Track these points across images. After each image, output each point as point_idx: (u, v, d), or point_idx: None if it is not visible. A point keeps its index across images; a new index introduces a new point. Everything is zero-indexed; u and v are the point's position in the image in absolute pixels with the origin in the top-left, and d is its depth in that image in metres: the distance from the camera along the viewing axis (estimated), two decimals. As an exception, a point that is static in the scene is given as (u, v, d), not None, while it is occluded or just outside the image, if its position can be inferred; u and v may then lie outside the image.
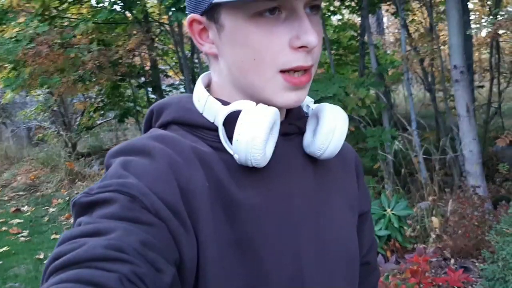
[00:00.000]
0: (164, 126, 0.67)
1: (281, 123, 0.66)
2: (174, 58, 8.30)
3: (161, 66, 8.45)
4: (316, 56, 0.63)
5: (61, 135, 8.54)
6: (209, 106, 0.64)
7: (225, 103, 0.64)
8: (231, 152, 0.62)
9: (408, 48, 4.87)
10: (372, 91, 4.49)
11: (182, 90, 8.62)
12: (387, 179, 4.38)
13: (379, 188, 4.47)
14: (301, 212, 0.66)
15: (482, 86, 6.13)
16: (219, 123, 0.63)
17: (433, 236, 3.44)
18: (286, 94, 0.62)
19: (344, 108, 4.52)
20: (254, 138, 0.58)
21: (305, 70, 0.62)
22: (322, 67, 5.64)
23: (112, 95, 8.22)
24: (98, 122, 9.98)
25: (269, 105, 0.62)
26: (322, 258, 0.67)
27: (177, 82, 8.58)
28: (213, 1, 0.59)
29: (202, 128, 0.65)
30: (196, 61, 7.37)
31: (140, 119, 8.52)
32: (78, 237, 0.49)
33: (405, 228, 3.39)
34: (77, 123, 9.05)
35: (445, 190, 3.92)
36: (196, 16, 0.64)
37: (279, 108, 0.63)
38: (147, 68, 7.91)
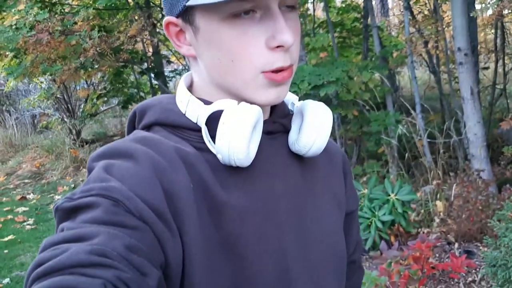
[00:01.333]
0: (147, 127, 0.67)
1: (265, 121, 0.66)
2: (176, 43, 8.23)
3: (163, 52, 8.41)
4: (295, 55, 0.62)
5: (65, 122, 8.55)
6: (191, 106, 0.64)
7: (207, 102, 0.64)
8: (214, 152, 0.61)
9: (412, 30, 4.81)
10: (376, 74, 4.45)
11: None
12: (391, 163, 4.36)
13: (383, 172, 4.45)
14: (287, 211, 0.66)
15: (487, 68, 6.06)
16: (202, 123, 0.62)
17: (437, 220, 3.44)
18: (267, 92, 0.62)
19: (348, 92, 4.49)
20: (237, 138, 0.58)
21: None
22: (326, 50, 5.57)
23: (115, 82, 8.20)
24: (102, 108, 9.98)
25: (250, 103, 0.61)
26: (309, 257, 0.67)
27: (180, 68, 8.54)
28: (187, 4, 0.58)
29: (185, 129, 0.64)
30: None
31: (144, 105, 8.50)
32: (60, 243, 0.48)
33: (409, 212, 3.38)
34: (81, 110, 9.05)
35: (449, 173, 3.89)
36: (172, 18, 0.63)
37: (262, 107, 0.63)
38: (149, 54, 7.87)
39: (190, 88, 0.68)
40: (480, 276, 2.80)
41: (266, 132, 0.65)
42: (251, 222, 0.61)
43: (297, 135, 0.67)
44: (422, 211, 3.62)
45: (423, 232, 3.33)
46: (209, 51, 0.61)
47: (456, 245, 3.19)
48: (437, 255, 3.08)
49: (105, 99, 8.86)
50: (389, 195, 3.27)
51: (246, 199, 0.62)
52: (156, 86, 8.14)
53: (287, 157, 0.69)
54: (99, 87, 8.82)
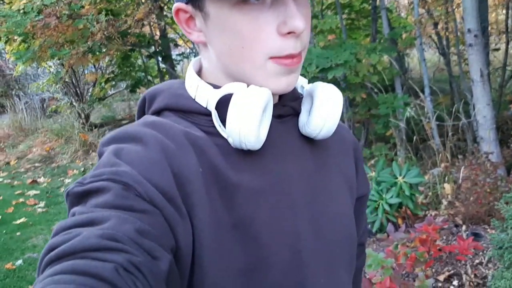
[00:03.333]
0: (157, 113, 0.67)
1: (275, 105, 0.66)
2: (183, 26, 8.18)
3: (170, 35, 8.37)
4: (305, 41, 0.62)
5: (74, 106, 8.59)
6: (201, 91, 0.64)
7: (216, 87, 0.64)
8: (225, 135, 0.61)
9: (422, 11, 4.74)
10: (385, 57, 4.41)
11: (193, 58, 8.56)
12: (399, 146, 4.35)
13: (391, 155, 4.44)
14: (299, 193, 0.66)
15: (497, 49, 5.97)
16: (212, 107, 0.62)
17: (445, 202, 3.44)
18: (277, 80, 0.61)
19: (356, 74, 4.46)
20: (247, 120, 0.58)
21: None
22: (334, 32, 5.51)
23: (123, 66, 8.19)
24: (110, 92, 10.00)
25: None
26: (321, 238, 0.67)
27: (187, 51, 8.51)
28: None
29: (195, 113, 0.64)
30: (206, 28, 7.26)
31: (152, 88, 8.50)
32: (72, 228, 0.48)
33: (417, 195, 3.38)
34: (89, 94, 9.08)
35: (457, 156, 3.88)
36: (181, 5, 0.63)
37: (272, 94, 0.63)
38: (157, 37, 7.85)
39: (199, 73, 0.68)
40: (487, 259, 2.80)
41: (276, 116, 0.66)
42: (264, 204, 0.62)
43: (307, 118, 0.67)
44: (430, 193, 3.62)
45: (431, 215, 3.34)
46: (219, 38, 0.61)
47: (464, 227, 3.20)
48: (444, 237, 3.09)
49: (113, 83, 8.88)
50: (397, 178, 3.27)
51: (258, 181, 0.62)
52: (164, 70, 8.14)
53: (298, 140, 0.69)
54: (107, 71, 8.82)
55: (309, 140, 0.69)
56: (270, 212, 0.62)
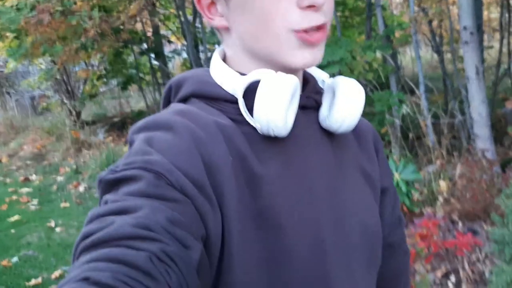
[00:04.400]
0: (184, 100, 0.67)
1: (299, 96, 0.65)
2: (176, 23, 8.17)
3: (163, 32, 8.34)
4: (329, 12, 0.61)
5: (65, 104, 8.53)
6: (227, 78, 0.64)
7: (243, 75, 0.64)
8: (251, 123, 0.61)
9: (416, 9, 4.76)
10: (379, 54, 4.42)
11: (185, 55, 8.54)
12: (394, 143, 4.37)
13: (386, 152, 4.46)
14: (321, 185, 0.66)
15: (491, 47, 6.03)
16: (239, 94, 0.62)
17: (441, 199, 3.46)
18: (301, 54, 0.61)
19: (351, 72, 4.46)
20: (275, 105, 0.58)
21: (319, 28, 0.60)
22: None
23: (115, 62, 8.15)
24: (101, 90, 9.94)
25: (286, 67, 0.61)
26: (341, 230, 0.66)
27: (179, 48, 8.48)
28: None
29: (222, 101, 0.64)
30: (199, 25, 7.25)
31: (143, 85, 8.47)
32: (106, 215, 0.49)
33: (413, 192, 3.40)
34: (80, 91, 9.01)
35: (453, 153, 3.90)
36: None
37: (297, 70, 0.63)
38: (149, 34, 7.81)
39: (223, 62, 0.68)
40: (484, 255, 2.83)
41: (299, 107, 0.65)
42: (287, 194, 0.62)
43: (328, 111, 0.67)
44: (425, 190, 3.64)
45: (427, 212, 3.36)
46: (242, 16, 0.61)
47: (460, 224, 3.22)
48: (441, 234, 3.11)
49: (105, 80, 8.83)
50: (393, 175, 3.28)
51: (283, 170, 0.62)
52: (156, 67, 8.11)
53: (319, 133, 0.68)
54: (99, 68, 8.76)
55: (329, 134, 0.69)
56: (293, 201, 0.62)
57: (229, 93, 0.64)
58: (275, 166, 0.62)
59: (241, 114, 0.62)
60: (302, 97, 0.66)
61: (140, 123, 0.61)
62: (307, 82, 0.69)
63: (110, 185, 0.54)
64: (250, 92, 0.61)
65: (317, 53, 0.62)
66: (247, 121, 0.62)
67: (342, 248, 0.66)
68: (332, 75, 0.72)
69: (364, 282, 0.70)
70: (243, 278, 0.57)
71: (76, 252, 0.47)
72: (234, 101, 0.63)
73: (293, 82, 0.59)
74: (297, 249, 0.61)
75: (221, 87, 0.64)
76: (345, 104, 0.65)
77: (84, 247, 0.46)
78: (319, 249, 0.63)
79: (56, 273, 3.42)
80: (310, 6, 0.58)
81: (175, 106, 0.65)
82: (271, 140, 0.62)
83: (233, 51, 0.66)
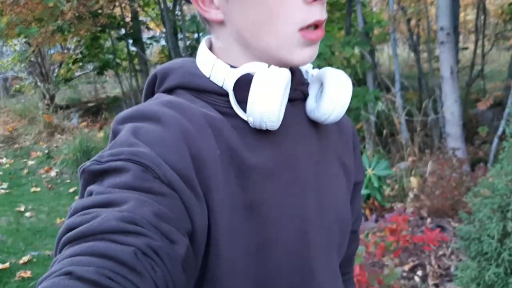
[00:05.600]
0: (169, 91, 0.65)
1: None
2: (155, 9, 8.06)
3: (142, 18, 8.21)
4: (325, 7, 0.62)
5: (39, 87, 8.34)
6: (216, 70, 0.63)
7: (233, 67, 0.63)
8: (242, 116, 0.61)
9: (396, 7, 4.82)
10: (357, 51, 4.47)
11: (163, 43, 8.44)
12: (368, 139, 4.43)
13: (360, 148, 4.52)
14: (306, 176, 0.66)
15: (466, 48, 6.15)
16: (229, 87, 0.61)
17: (411, 196, 3.53)
18: (302, 51, 0.61)
19: (329, 67, 4.49)
20: (271, 100, 0.57)
21: (318, 25, 0.61)
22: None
23: (91, 47, 8.00)
24: (77, 74, 9.76)
25: (283, 63, 0.61)
26: (323, 222, 0.68)
27: (158, 34, 8.38)
28: None
29: (210, 93, 0.63)
30: (178, 13, 7.18)
31: (120, 71, 8.35)
32: (90, 208, 0.47)
33: (384, 187, 3.47)
34: (55, 74, 8.83)
35: (425, 151, 3.99)
36: None
37: (293, 67, 0.63)
38: (128, 19, 7.68)
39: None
40: (451, 250, 2.91)
41: (288, 99, 0.65)
42: (275, 186, 0.62)
43: (315, 103, 0.67)
44: (397, 186, 3.72)
45: (397, 207, 3.43)
46: (242, 11, 0.60)
47: (429, 220, 3.30)
48: (410, 229, 3.18)
49: (81, 64, 8.66)
50: (366, 170, 3.34)
51: (272, 163, 0.62)
52: (133, 53, 7.99)
53: (306, 124, 0.69)
54: (75, 52, 8.59)
55: (314, 125, 0.70)
56: (280, 194, 0.62)
57: (217, 86, 0.63)
58: (265, 158, 0.62)
59: (230, 107, 0.61)
60: (290, 89, 0.66)
61: (126, 112, 0.59)
62: (294, 73, 0.68)
63: (94, 176, 0.52)
64: (240, 85, 0.60)
65: (315, 51, 0.62)
66: (236, 114, 0.61)
67: (322, 238, 0.68)
68: (318, 67, 0.73)
69: (335, 268, 0.73)
70: (230, 270, 0.57)
71: (59, 244, 0.46)
72: (223, 94, 0.62)
73: (287, 76, 0.59)
74: (283, 241, 0.61)
75: (209, 79, 0.63)
76: (334, 95, 0.65)
77: (68, 240, 0.45)
78: (303, 241, 0.64)
79: (25, 258, 3.36)
80: (315, 0, 0.58)
81: (161, 96, 0.63)
82: (260, 132, 0.62)
83: (224, 44, 0.65)
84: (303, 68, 0.72)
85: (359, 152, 0.83)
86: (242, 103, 0.61)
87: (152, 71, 0.71)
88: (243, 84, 0.60)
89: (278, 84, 0.58)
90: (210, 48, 0.67)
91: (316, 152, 0.69)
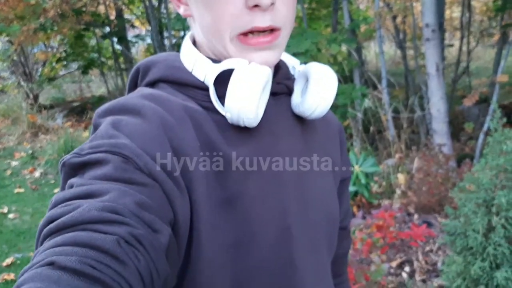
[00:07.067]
0: (151, 84, 0.66)
1: None
2: (140, 7, 8.00)
3: (127, 16, 8.15)
4: (281, 16, 0.59)
5: (22, 86, 8.23)
6: (199, 65, 0.63)
7: (215, 61, 0.63)
8: (221, 111, 0.61)
9: (381, 4, 4.83)
10: (344, 48, 4.46)
11: (149, 41, 8.38)
12: (356, 136, 4.44)
13: (348, 145, 4.52)
14: (289, 172, 0.66)
15: (451, 45, 6.19)
16: (210, 82, 0.61)
17: (398, 192, 3.54)
18: (250, 56, 0.60)
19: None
20: (248, 97, 0.57)
21: (271, 30, 0.59)
22: (295, 21, 5.54)
23: (76, 45, 7.92)
24: (61, 73, 9.65)
25: None
26: (307, 217, 0.67)
27: (143, 33, 8.32)
28: None
29: (192, 87, 0.63)
30: (164, 11, 7.13)
31: (105, 70, 8.27)
32: (72, 199, 0.48)
33: (372, 184, 3.47)
34: (38, 74, 8.71)
35: (411, 148, 4.00)
36: None
37: (279, 62, 0.63)
38: (112, 17, 7.61)
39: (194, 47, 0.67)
40: (437, 246, 2.91)
41: (271, 93, 0.65)
42: (255, 181, 0.62)
43: (300, 97, 0.67)
44: (384, 183, 3.72)
45: (384, 204, 3.43)
46: (198, 11, 0.60)
47: (416, 216, 3.31)
48: (397, 225, 3.18)
49: (65, 63, 8.57)
50: (353, 167, 3.34)
51: (252, 158, 0.62)
52: (119, 51, 7.92)
53: (290, 119, 0.68)
54: (59, 51, 8.49)
55: (299, 120, 0.69)
56: (260, 189, 0.62)
57: (199, 80, 0.63)
58: (245, 153, 0.62)
59: (211, 102, 0.62)
60: (273, 83, 0.66)
61: (106, 106, 0.60)
62: (279, 68, 0.69)
63: (75, 169, 0.52)
64: (222, 80, 0.60)
65: (269, 55, 0.61)
66: (216, 109, 0.61)
67: (307, 234, 0.67)
68: (304, 63, 0.72)
69: (324, 265, 0.72)
70: (210, 265, 0.57)
71: (39, 237, 0.46)
72: (204, 88, 0.62)
73: (266, 74, 0.59)
74: (264, 235, 0.61)
75: (191, 73, 0.64)
76: (318, 90, 0.65)
77: (49, 232, 0.45)
78: (285, 236, 0.64)
79: (8, 261, 3.30)
80: (256, 6, 0.57)
81: (142, 90, 0.64)
82: (241, 128, 0.62)
83: (198, 39, 0.66)
84: (289, 64, 0.72)
85: (346, 148, 0.83)
86: (223, 98, 0.60)
87: None
88: (224, 80, 0.60)
89: (256, 81, 0.58)
90: (194, 42, 0.68)
91: (300, 147, 0.69)
